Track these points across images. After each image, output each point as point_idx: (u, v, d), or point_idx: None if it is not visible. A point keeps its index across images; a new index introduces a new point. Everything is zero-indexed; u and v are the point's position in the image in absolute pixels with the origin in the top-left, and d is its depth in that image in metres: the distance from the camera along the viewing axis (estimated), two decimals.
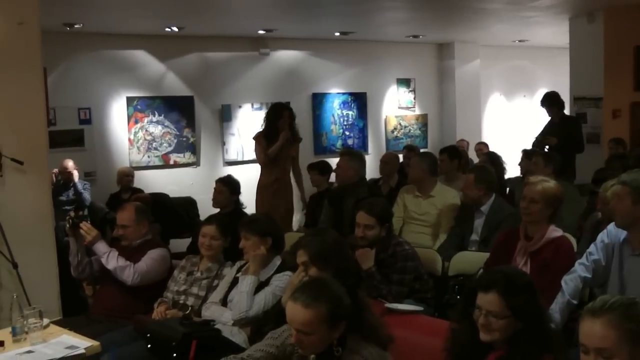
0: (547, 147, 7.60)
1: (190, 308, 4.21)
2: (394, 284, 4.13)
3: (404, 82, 11.70)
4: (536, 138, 8.03)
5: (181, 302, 4.29)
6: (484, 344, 2.53)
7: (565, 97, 8.51)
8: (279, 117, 7.04)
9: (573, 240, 4.33)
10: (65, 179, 7.96)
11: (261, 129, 7.19)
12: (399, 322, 3.32)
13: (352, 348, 2.63)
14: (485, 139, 11.30)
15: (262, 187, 7.15)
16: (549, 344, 2.46)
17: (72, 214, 5.07)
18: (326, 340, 2.61)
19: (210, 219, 4.67)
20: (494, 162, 7.58)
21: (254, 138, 7.21)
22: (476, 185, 5.21)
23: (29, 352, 3.44)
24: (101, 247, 4.61)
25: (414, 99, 11.82)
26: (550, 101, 8.03)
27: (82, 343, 3.54)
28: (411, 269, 4.19)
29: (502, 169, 7.82)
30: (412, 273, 4.20)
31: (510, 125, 12.60)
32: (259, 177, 7.26)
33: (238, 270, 4.10)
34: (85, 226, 4.63)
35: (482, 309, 2.50)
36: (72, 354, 3.44)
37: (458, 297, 4.19)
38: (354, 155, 6.39)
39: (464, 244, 5.20)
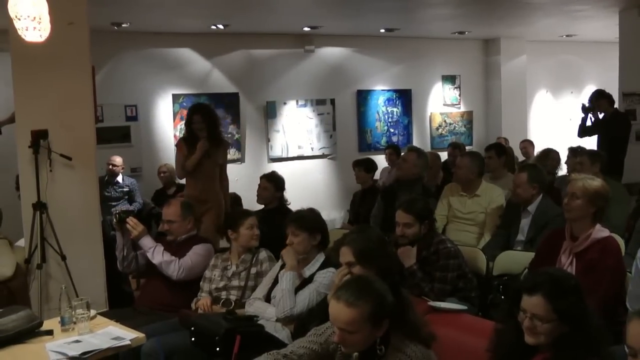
0: (591, 117, 7.47)
1: (233, 303, 4.25)
2: (436, 282, 4.10)
3: (449, 78, 11.61)
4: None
5: (223, 297, 4.34)
6: (529, 346, 2.48)
7: (614, 93, 8.34)
8: (189, 122, 6.18)
9: (621, 241, 4.24)
10: (111, 175, 8.09)
11: (184, 134, 6.48)
12: (442, 320, 3.30)
13: (396, 346, 2.62)
14: (531, 137, 11.14)
15: (191, 198, 5.92)
16: (596, 347, 2.40)
17: (119, 209, 5.16)
18: (369, 339, 2.60)
19: (247, 212, 4.73)
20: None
21: (176, 144, 6.61)
22: (530, 184, 5.12)
23: (77, 341, 3.51)
24: (147, 241, 4.68)
25: (459, 95, 11.72)
26: (600, 95, 7.90)
27: (127, 334, 3.60)
28: (454, 266, 4.16)
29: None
30: (455, 271, 4.16)
31: (556, 123, 12.39)
32: (185, 187, 6.50)
33: (282, 268, 4.11)
34: (131, 221, 4.70)
35: (527, 311, 2.44)
36: (117, 345, 3.50)
37: (502, 297, 4.14)
38: (421, 154, 6.40)
39: (509, 244, 5.12)
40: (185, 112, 9.17)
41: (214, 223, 5.88)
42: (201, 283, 4.53)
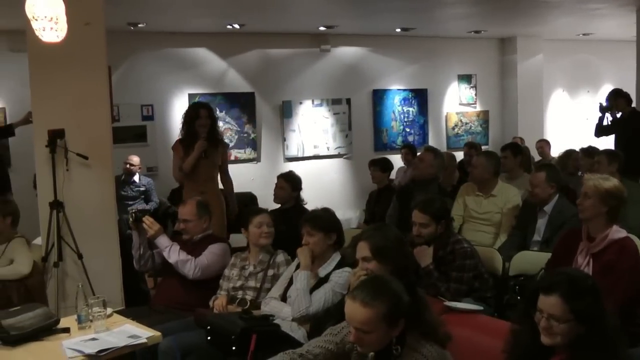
0: (608, 116, 7.41)
1: (249, 303, 4.25)
2: (452, 282, 4.09)
3: (465, 78, 11.57)
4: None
5: (239, 297, 4.34)
6: (545, 347, 2.46)
7: (631, 92, 8.28)
8: (194, 118, 6.01)
9: (638, 242, 4.20)
10: (127, 174, 8.13)
11: (179, 136, 6.25)
12: (458, 320, 3.28)
13: (412, 346, 2.61)
14: (547, 137, 11.08)
15: None
16: (612, 349, 2.37)
17: (135, 208, 5.18)
18: (385, 339, 2.59)
19: (260, 209, 4.74)
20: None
21: (172, 147, 6.23)
22: (548, 183, 5.10)
23: (93, 339, 3.52)
24: (163, 240, 4.70)
25: (475, 95, 11.68)
26: (618, 94, 7.84)
27: (143, 333, 3.62)
28: (470, 267, 4.14)
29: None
30: (471, 271, 4.14)
31: (573, 122, 12.31)
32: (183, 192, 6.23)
33: (297, 267, 4.10)
34: (148, 220, 4.71)
35: (544, 312, 2.42)
36: (134, 343, 3.51)
37: (518, 297, 4.12)
38: (438, 154, 6.39)
39: (525, 245, 5.09)
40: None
41: (215, 226, 5.55)
42: (220, 281, 4.54)
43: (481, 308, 3.74)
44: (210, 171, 6.09)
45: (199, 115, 5.98)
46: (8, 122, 7.29)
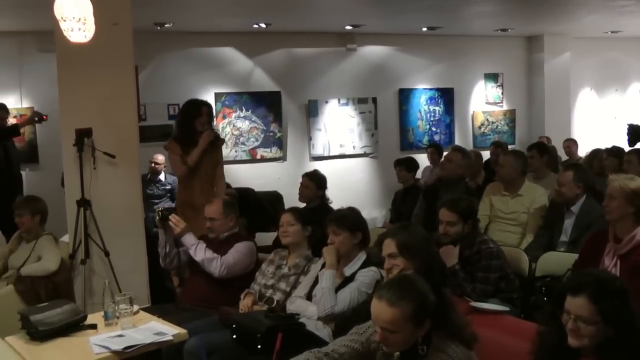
0: None
1: (276, 302, 4.25)
2: (478, 282, 4.07)
3: (492, 76, 11.49)
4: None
5: (267, 295, 4.34)
6: (572, 349, 2.43)
7: None
8: (196, 116, 5.83)
9: None
10: (153, 173, 8.18)
11: (174, 134, 6.03)
12: (484, 321, 3.27)
13: (437, 346, 2.59)
14: (574, 136, 10.97)
15: (185, 204, 5.81)
16: None
17: (162, 206, 5.20)
18: (411, 339, 2.58)
19: (287, 209, 4.75)
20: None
21: (165, 147, 6.02)
22: (575, 183, 5.05)
23: (120, 336, 3.56)
24: (189, 239, 4.71)
25: (502, 94, 11.59)
26: None
27: (170, 330, 3.65)
28: (496, 267, 4.11)
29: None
30: (497, 272, 4.11)
31: (601, 122, 12.18)
32: (177, 192, 6.18)
33: (323, 266, 4.10)
34: (174, 218, 4.73)
35: (571, 313, 2.39)
36: (160, 340, 3.54)
37: (545, 298, 4.09)
38: (465, 154, 6.35)
39: (552, 245, 5.05)
40: (227, 110, 9.34)
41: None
42: (257, 274, 4.56)
43: (507, 309, 3.71)
44: (210, 170, 5.89)
45: (201, 113, 5.84)
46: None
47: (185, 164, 5.74)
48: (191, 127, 5.80)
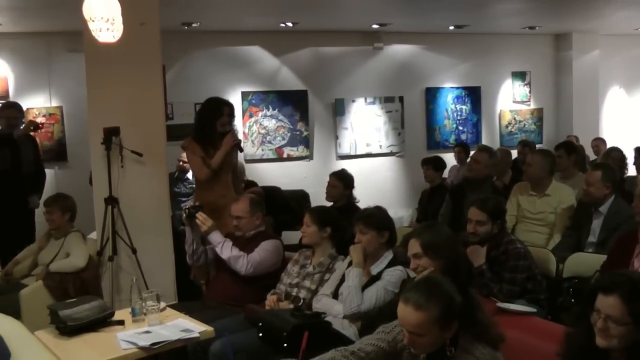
0: None
1: (302, 300, 4.25)
2: (505, 283, 4.04)
3: (519, 75, 11.39)
4: None
5: (293, 294, 4.35)
6: (600, 351, 2.39)
7: None
8: (217, 116, 5.60)
9: None
10: (180, 171, 8.23)
11: (193, 134, 5.71)
12: (510, 322, 3.24)
13: (465, 348, 2.58)
14: (603, 135, 10.84)
15: (205, 205, 5.18)
16: None
17: (189, 204, 5.23)
18: (438, 341, 2.57)
19: (307, 209, 4.75)
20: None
21: (183, 146, 5.84)
22: (603, 183, 4.99)
23: (147, 332, 3.60)
24: (216, 237, 4.73)
25: (529, 92, 11.48)
26: None
27: (196, 327, 3.67)
28: (523, 268, 4.08)
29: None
30: (525, 272, 4.08)
31: (630, 120, 12.02)
32: (195, 193, 5.96)
33: (349, 265, 4.10)
34: (201, 216, 4.75)
35: (601, 312, 2.35)
36: (186, 337, 3.57)
37: (573, 300, 4.05)
38: (492, 153, 6.32)
39: (580, 246, 5.00)
40: (254, 109, 9.36)
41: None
42: (282, 274, 4.57)
43: (534, 310, 3.68)
44: (229, 171, 5.71)
45: (222, 113, 5.61)
46: (37, 122, 7.26)
47: (208, 168, 5.50)
48: (212, 128, 5.59)
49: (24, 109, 8.29)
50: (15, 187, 6.74)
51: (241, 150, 5.81)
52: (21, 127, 6.88)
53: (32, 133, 7.13)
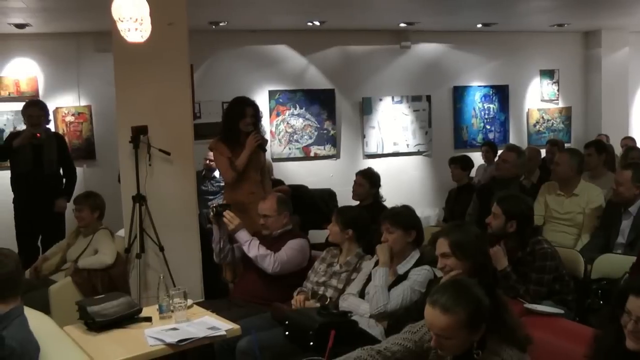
0: None
1: (329, 299, 4.25)
2: (531, 284, 3.99)
3: (548, 73, 11.28)
4: None
5: (320, 293, 4.36)
6: (630, 354, 2.35)
7: None
8: (240, 116, 5.56)
9: None
10: (208, 169, 8.27)
11: (220, 134, 5.71)
12: (538, 323, 3.21)
13: (492, 350, 2.56)
14: (633, 134, 10.70)
15: (233, 204, 5.20)
16: None
17: (216, 202, 5.24)
18: (466, 344, 2.55)
19: (336, 208, 4.74)
20: None
21: (210, 147, 5.86)
22: (633, 183, 4.92)
23: (174, 329, 3.62)
24: (243, 235, 4.74)
25: (558, 91, 11.36)
26: None
27: (223, 325, 3.69)
28: (550, 268, 4.03)
29: None
30: (552, 273, 4.03)
31: None
32: (224, 193, 5.96)
33: (376, 264, 4.09)
34: (228, 214, 4.76)
35: (632, 314, 2.31)
36: (213, 335, 3.58)
37: (601, 302, 4.00)
38: (521, 153, 6.28)
39: (609, 247, 4.93)
40: (281, 108, 9.38)
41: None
42: (309, 272, 4.58)
43: (562, 312, 3.65)
44: (257, 171, 5.69)
45: (245, 114, 5.57)
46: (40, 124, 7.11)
47: (234, 170, 5.50)
48: (236, 128, 5.58)
49: (53, 107, 8.43)
50: (38, 188, 6.68)
51: (264, 150, 5.75)
52: (22, 137, 6.65)
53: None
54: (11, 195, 6.95)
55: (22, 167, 6.68)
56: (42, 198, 6.72)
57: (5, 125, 8.13)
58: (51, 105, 8.58)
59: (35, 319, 3.21)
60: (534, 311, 3.48)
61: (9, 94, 8.47)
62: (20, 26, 7.86)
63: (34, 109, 6.80)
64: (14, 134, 6.95)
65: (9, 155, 6.82)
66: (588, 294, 4.19)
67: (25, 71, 8.57)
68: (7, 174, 7.01)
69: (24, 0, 6.60)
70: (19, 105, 8.32)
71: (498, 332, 2.59)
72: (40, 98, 8.43)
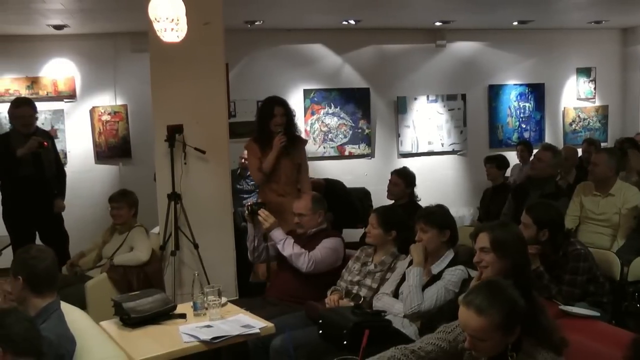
0: None
1: (362, 298, 4.25)
2: (564, 285, 3.94)
3: (584, 71, 11.12)
4: None
5: (354, 292, 4.35)
6: None
7: None
8: (269, 116, 5.62)
9: None
10: (243, 168, 8.31)
11: (253, 134, 5.77)
12: (573, 326, 3.16)
13: (527, 352, 2.53)
14: None
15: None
16: None
17: (251, 201, 5.27)
18: (500, 345, 2.52)
19: (374, 209, 4.71)
20: None
21: (246, 147, 5.91)
22: None
23: (208, 326, 3.64)
24: (278, 234, 4.75)
25: (594, 89, 11.19)
26: None
27: (257, 323, 3.70)
28: (584, 270, 3.97)
29: None
30: (585, 274, 3.97)
31: None
32: (258, 193, 5.99)
33: (410, 264, 4.06)
34: (263, 213, 4.77)
35: None
36: (247, 333, 3.60)
37: (638, 305, 3.93)
38: (556, 152, 6.21)
39: None
40: (316, 107, 9.40)
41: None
42: (343, 271, 4.57)
43: (598, 314, 3.59)
44: (290, 171, 5.70)
45: (274, 114, 5.61)
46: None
47: (261, 171, 5.58)
48: (267, 129, 5.63)
49: (90, 106, 8.55)
50: (40, 191, 6.27)
51: (289, 152, 5.66)
52: (27, 146, 6.02)
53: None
54: None
55: (23, 171, 6.10)
56: (44, 200, 6.31)
57: (43, 124, 8.24)
58: (87, 105, 8.75)
59: (71, 314, 3.27)
60: (569, 313, 3.44)
61: (47, 94, 8.61)
62: (58, 27, 8.00)
63: (26, 108, 6.19)
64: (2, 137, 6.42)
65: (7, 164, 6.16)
66: (624, 297, 4.13)
67: (63, 71, 8.72)
68: None
69: (62, 2, 6.70)
70: (57, 105, 8.51)
71: (534, 335, 2.56)
72: (77, 97, 8.56)
